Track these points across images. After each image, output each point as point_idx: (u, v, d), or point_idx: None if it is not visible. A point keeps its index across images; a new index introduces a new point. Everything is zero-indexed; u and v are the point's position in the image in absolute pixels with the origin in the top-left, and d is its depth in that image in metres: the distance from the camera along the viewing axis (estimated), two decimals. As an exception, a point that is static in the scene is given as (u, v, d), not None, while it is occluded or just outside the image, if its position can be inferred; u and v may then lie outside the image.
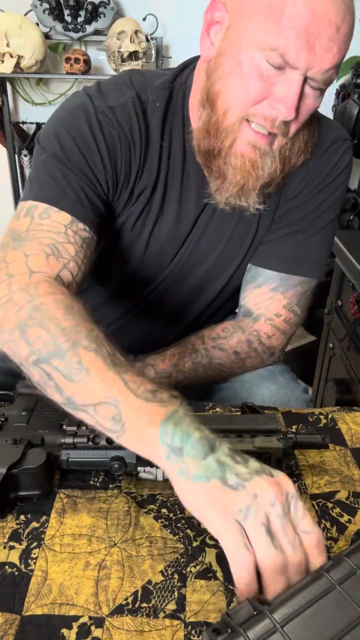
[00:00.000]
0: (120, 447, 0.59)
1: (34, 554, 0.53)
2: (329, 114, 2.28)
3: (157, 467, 0.60)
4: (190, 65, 0.81)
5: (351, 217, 2.27)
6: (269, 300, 0.88)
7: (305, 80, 0.67)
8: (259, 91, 0.68)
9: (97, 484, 0.62)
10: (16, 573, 0.51)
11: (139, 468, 0.60)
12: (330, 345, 1.65)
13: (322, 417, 0.76)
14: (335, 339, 1.60)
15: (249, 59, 0.67)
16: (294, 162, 0.77)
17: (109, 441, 0.60)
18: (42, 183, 0.74)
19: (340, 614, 0.38)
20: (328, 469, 0.67)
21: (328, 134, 0.85)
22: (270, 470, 0.48)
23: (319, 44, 0.64)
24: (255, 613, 0.38)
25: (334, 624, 0.37)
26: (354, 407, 0.79)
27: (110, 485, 0.62)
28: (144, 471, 0.60)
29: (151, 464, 0.60)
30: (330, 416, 0.77)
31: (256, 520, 0.44)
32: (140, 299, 0.96)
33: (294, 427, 0.74)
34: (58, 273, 0.69)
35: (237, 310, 0.96)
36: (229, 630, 0.38)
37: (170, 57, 2.49)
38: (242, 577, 0.44)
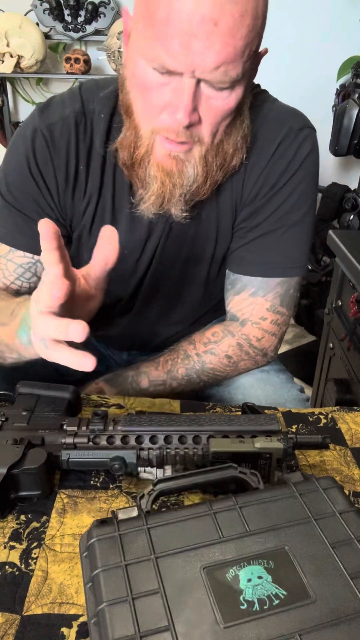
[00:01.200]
0: (121, 448, 0.60)
1: (35, 553, 0.53)
2: (329, 114, 2.29)
3: (157, 467, 0.60)
4: None
5: (351, 217, 2.27)
6: (251, 306, 0.88)
7: (200, 80, 0.64)
8: (157, 102, 0.67)
9: (98, 484, 0.62)
10: (16, 573, 0.51)
11: (139, 468, 0.60)
12: (330, 345, 1.65)
13: (322, 417, 0.76)
14: (335, 339, 1.60)
15: (140, 69, 0.66)
16: (223, 167, 0.75)
17: (110, 441, 0.61)
18: None
19: (202, 534, 0.45)
20: (328, 469, 0.67)
21: (279, 127, 0.80)
22: None
23: (196, 44, 0.60)
24: (136, 515, 0.47)
25: (193, 539, 0.45)
26: (354, 407, 0.79)
27: (111, 486, 0.62)
28: (145, 471, 0.60)
29: (152, 464, 0.60)
30: (330, 416, 0.77)
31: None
32: (120, 311, 0.97)
33: (294, 427, 0.74)
34: None
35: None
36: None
37: (170, 57, 2.49)
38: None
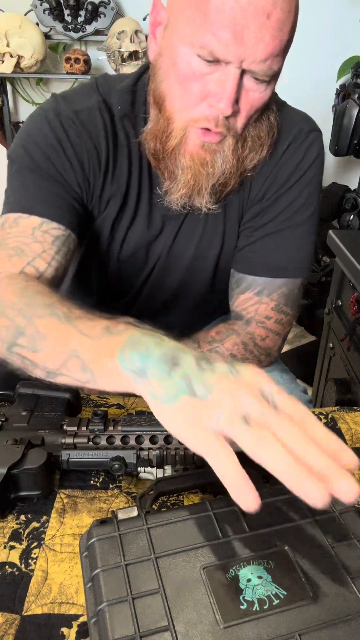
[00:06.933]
0: (121, 448, 0.60)
1: (34, 553, 0.53)
2: (329, 114, 2.29)
3: (157, 467, 0.60)
4: None
5: (351, 217, 2.27)
6: (256, 305, 0.88)
7: (244, 72, 0.65)
8: (196, 92, 0.67)
9: (98, 484, 0.62)
10: (16, 573, 0.51)
11: (139, 468, 0.60)
12: (330, 345, 1.65)
13: (322, 417, 0.76)
14: (335, 339, 1.60)
15: (182, 57, 0.66)
16: (248, 160, 0.76)
17: (109, 441, 0.61)
18: (14, 194, 0.76)
19: (202, 534, 0.45)
20: (328, 469, 0.67)
21: (289, 129, 0.82)
22: (239, 367, 0.46)
23: (248, 34, 0.61)
24: (136, 515, 0.46)
25: (193, 539, 0.44)
26: (354, 407, 0.79)
27: (111, 486, 0.62)
28: (144, 471, 0.60)
29: (152, 464, 0.60)
30: (330, 416, 0.77)
31: (229, 418, 0.42)
32: (124, 305, 0.96)
33: (294, 427, 0.74)
34: (22, 269, 0.71)
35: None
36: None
37: (170, 57, 2.49)
38: (223, 472, 0.41)
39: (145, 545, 0.44)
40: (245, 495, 0.39)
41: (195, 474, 0.53)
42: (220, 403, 0.43)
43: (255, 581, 0.41)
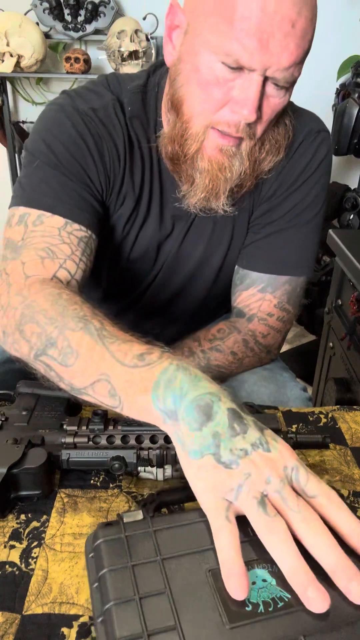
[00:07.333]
0: (121, 447, 0.60)
1: (35, 553, 0.53)
2: (329, 114, 2.29)
3: (157, 467, 0.60)
4: (163, 66, 0.80)
5: (351, 216, 2.27)
6: (259, 301, 0.88)
7: (266, 79, 0.65)
8: (219, 97, 0.67)
9: (98, 484, 0.62)
10: (16, 572, 0.51)
11: (139, 468, 0.60)
12: (331, 344, 1.65)
13: (322, 416, 0.76)
14: (336, 338, 1.60)
15: (205, 63, 0.66)
16: (265, 163, 0.76)
17: (110, 441, 0.61)
18: (35, 190, 0.75)
19: (207, 537, 0.45)
20: (328, 468, 0.67)
21: (300, 129, 0.83)
22: (269, 440, 0.46)
23: (273, 42, 0.62)
24: (142, 518, 0.46)
25: (199, 542, 0.44)
26: (354, 407, 0.79)
27: (111, 485, 0.62)
28: (144, 471, 0.60)
29: (152, 464, 0.60)
30: (330, 415, 0.77)
31: (248, 496, 0.43)
32: (129, 301, 0.96)
33: (294, 426, 0.74)
34: (55, 274, 0.70)
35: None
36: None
37: (170, 57, 2.49)
38: (221, 549, 0.42)
39: (151, 548, 0.44)
40: (235, 581, 0.40)
41: None
42: (242, 477, 0.44)
43: (260, 584, 0.41)
